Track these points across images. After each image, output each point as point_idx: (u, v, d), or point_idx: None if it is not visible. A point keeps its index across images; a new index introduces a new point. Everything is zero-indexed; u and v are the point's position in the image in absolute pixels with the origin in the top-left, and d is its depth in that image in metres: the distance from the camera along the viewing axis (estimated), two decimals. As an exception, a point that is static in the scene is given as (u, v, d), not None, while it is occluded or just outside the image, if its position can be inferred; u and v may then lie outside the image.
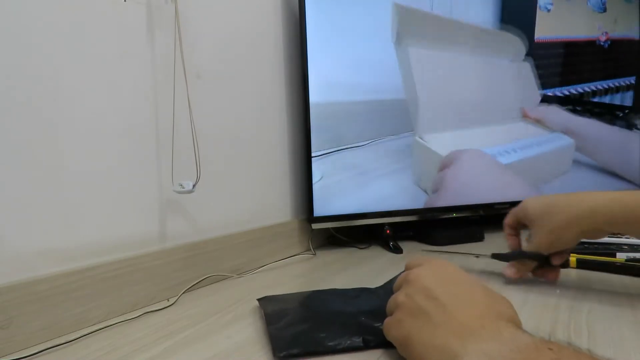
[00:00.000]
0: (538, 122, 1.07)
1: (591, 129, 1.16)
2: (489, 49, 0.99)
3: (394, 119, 0.90)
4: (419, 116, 0.92)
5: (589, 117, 1.15)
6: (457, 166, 0.96)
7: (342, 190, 0.85)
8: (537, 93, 1.05)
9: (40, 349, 0.42)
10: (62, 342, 0.43)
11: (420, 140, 0.93)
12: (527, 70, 1.04)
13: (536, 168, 1.06)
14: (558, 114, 1.11)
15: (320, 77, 0.83)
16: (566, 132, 1.11)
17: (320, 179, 0.83)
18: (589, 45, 1.15)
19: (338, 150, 0.85)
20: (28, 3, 0.45)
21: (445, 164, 0.96)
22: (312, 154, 0.83)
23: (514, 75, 1.03)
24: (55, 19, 0.47)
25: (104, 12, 0.52)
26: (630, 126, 1.22)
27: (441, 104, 0.95)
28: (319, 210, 0.83)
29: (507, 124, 1.04)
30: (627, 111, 1.23)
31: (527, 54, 1.05)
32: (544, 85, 1.07)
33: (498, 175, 1.01)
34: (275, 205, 0.82)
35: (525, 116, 1.06)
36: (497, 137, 1.02)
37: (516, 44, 1.02)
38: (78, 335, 0.45)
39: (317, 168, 0.83)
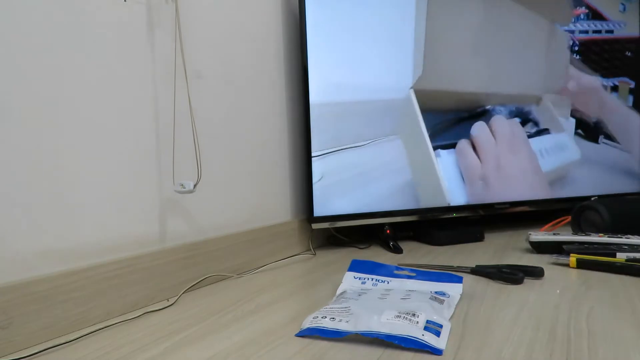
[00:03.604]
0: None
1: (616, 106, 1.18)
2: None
3: (394, 119, 0.90)
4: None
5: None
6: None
7: (342, 190, 0.85)
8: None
9: (40, 349, 0.42)
10: (62, 342, 0.43)
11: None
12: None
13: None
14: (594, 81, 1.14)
15: (321, 76, 0.83)
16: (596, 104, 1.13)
17: (320, 179, 0.83)
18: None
19: (338, 150, 0.85)
20: (28, 3, 0.45)
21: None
22: (312, 154, 0.83)
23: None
24: (55, 19, 0.47)
25: (104, 12, 0.52)
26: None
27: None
28: (319, 210, 0.83)
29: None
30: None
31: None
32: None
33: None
34: (275, 205, 0.82)
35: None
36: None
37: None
38: (78, 335, 0.45)
39: (317, 168, 0.83)
